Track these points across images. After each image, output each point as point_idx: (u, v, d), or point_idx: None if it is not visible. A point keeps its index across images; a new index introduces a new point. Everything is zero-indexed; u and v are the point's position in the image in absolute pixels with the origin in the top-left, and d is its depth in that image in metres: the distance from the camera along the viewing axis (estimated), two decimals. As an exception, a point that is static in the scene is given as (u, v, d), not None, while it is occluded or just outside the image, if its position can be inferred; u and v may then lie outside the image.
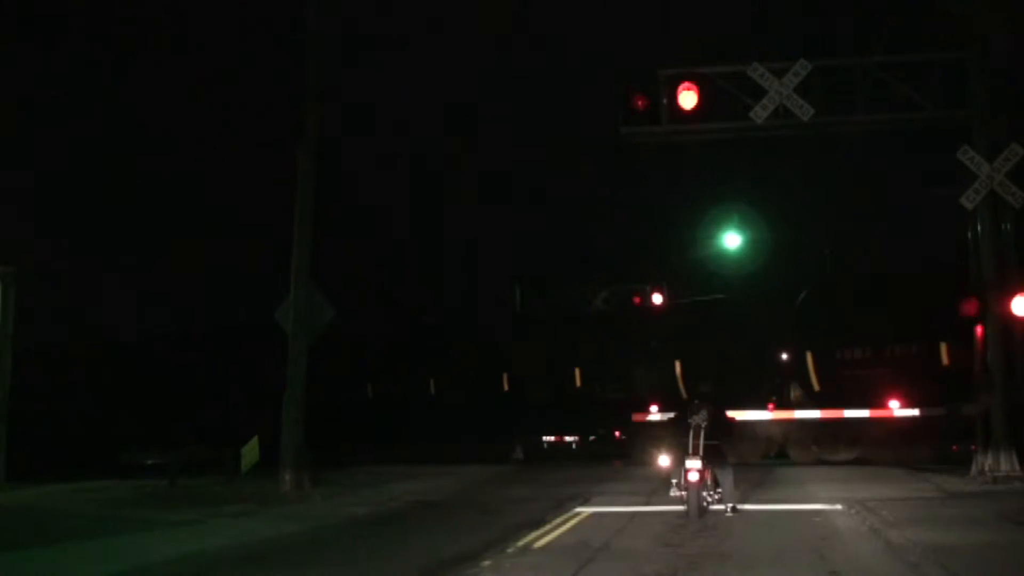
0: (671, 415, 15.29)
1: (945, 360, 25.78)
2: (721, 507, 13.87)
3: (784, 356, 30.52)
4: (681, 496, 13.67)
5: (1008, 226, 18.80)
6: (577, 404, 34.77)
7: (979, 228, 18.93)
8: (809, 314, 29.78)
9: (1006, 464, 18.00)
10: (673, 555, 10.67)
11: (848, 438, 26.63)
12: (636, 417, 29.75)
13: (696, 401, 14.22)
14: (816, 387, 28.91)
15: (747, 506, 14.54)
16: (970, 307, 18.64)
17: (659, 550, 11.06)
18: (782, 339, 30.32)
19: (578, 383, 35.55)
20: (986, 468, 18.13)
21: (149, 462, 27.44)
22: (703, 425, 13.77)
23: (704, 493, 13.61)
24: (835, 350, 28.63)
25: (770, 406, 29.18)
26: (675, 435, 14.42)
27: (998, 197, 18.31)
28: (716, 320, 32.39)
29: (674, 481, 14.04)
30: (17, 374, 19.21)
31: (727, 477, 14.03)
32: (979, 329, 18.93)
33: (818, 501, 15.30)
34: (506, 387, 37.85)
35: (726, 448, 14.58)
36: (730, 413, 15.39)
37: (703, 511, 13.44)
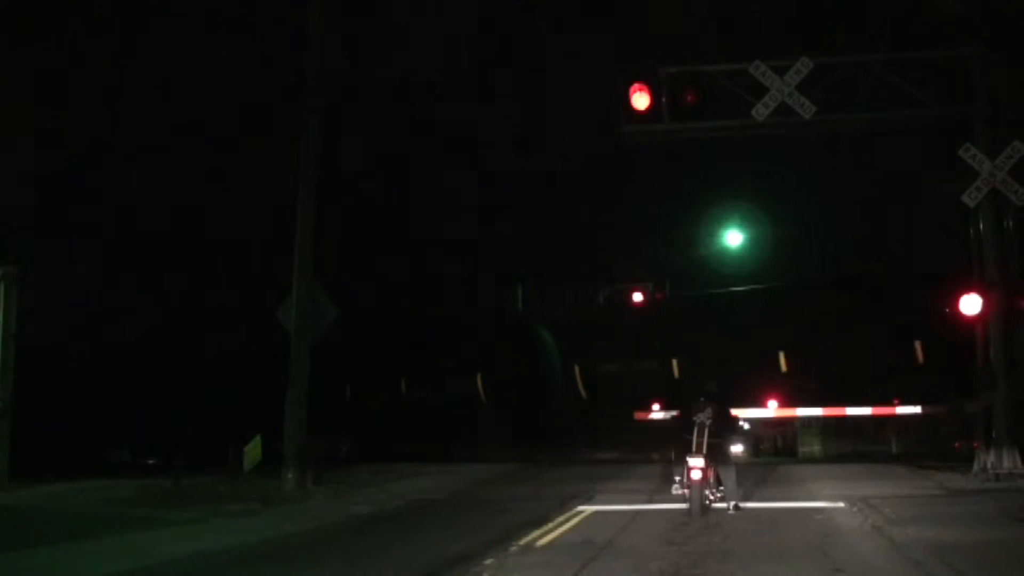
0: (674, 413, 15.28)
1: (676, 373, 30.23)
2: (723, 505, 13.88)
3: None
4: (683, 494, 13.70)
5: (1010, 223, 18.79)
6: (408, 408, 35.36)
7: (981, 225, 18.93)
8: (578, 332, 33.93)
9: (1008, 461, 18.00)
10: (676, 553, 10.68)
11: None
12: (639, 415, 29.75)
13: (702, 399, 14.17)
14: (583, 394, 31.99)
15: (750, 504, 14.54)
16: (972, 304, 18.62)
17: (662, 548, 11.06)
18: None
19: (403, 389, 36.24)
20: (988, 465, 18.13)
21: (151, 461, 27.55)
22: (708, 423, 13.77)
23: (707, 491, 13.59)
24: (596, 363, 32.37)
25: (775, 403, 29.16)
26: (679, 433, 14.38)
27: (1000, 194, 18.31)
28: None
29: (676, 478, 14.07)
30: (20, 373, 19.23)
31: (730, 475, 14.04)
32: (981, 326, 18.93)
33: (821, 499, 15.32)
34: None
35: (729, 447, 14.61)
36: (735, 412, 15.40)
37: (706, 509, 13.44)
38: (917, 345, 27.86)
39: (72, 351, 35.35)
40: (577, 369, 32.42)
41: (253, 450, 19.54)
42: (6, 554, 11.06)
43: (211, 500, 16.24)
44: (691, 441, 13.70)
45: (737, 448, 28.25)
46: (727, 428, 14.37)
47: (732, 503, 13.85)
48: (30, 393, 20.62)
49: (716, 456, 13.79)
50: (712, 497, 13.81)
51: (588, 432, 30.87)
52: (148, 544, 12.13)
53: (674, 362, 30.63)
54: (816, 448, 28.38)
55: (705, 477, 13.44)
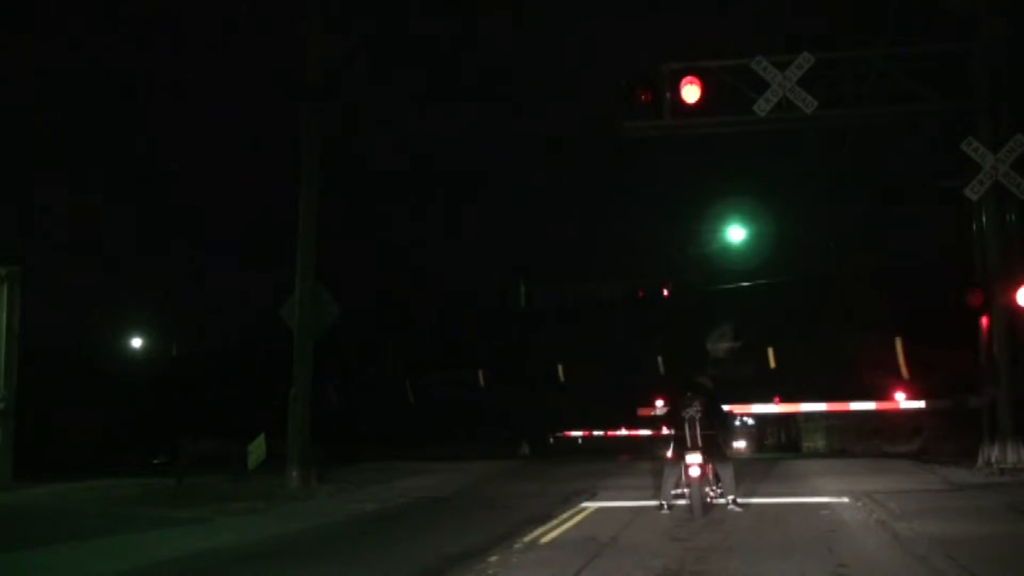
0: (667, 409, 15.00)
1: (481, 382, 33.48)
2: (723, 501, 13.56)
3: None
4: (683, 492, 13.39)
5: (1013, 217, 18.77)
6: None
7: (983, 219, 18.91)
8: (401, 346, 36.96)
9: (1012, 455, 18.01)
10: (680, 549, 10.68)
11: None
12: (642, 412, 29.78)
13: (689, 393, 13.72)
14: (412, 400, 35.03)
15: (754, 499, 14.51)
16: (975, 298, 18.62)
17: (666, 544, 11.06)
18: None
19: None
20: (992, 460, 18.15)
21: (156, 461, 27.58)
22: (697, 417, 13.35)
23: (707, 489, 13.20)
24: (423, 375, 35.48)
25: (776, 399, 29.20)
26: (671, 429, 14.03)
27: (1003, 188, 18.29)
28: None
29: (673, 491, 13.59)
30: (24, 374, 19.26)
31: (727, 470, 13.64)
32: (984, 320, 18.91)
33: (825, 494, 15.30)
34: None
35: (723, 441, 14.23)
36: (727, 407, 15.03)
37: (707, 507, 13.08)
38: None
39: (72, 352, 35.40)
40: (407, 380, 35.10)
41: (257, 449, 19.53)
42: (10, 553, 11.08)
43: (215, 499, 16.25)
44: (684, 437, 13.32)
45: (740, 444, 28.32)
46: (719, 422, 13.92)
47: (731, 498, 13.46)
48: (33, 393, 20.62)
49: (711, 451, 13.33)
50: (712, 494, 13.47)
51: (419, 434, 32.28)
52: (152, 543, 12.15)
53: (480, 372, 33.50)
54: (820, 443, 28.41)
55: (704, 474, 13.04)
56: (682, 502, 13.55)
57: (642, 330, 32.71)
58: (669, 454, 14.19)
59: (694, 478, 12.98)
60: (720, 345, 29.34)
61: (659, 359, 30.65)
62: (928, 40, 19.54)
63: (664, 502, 13.67)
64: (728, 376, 28.27)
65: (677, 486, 13.56)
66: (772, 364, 29.12)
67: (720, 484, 13.66)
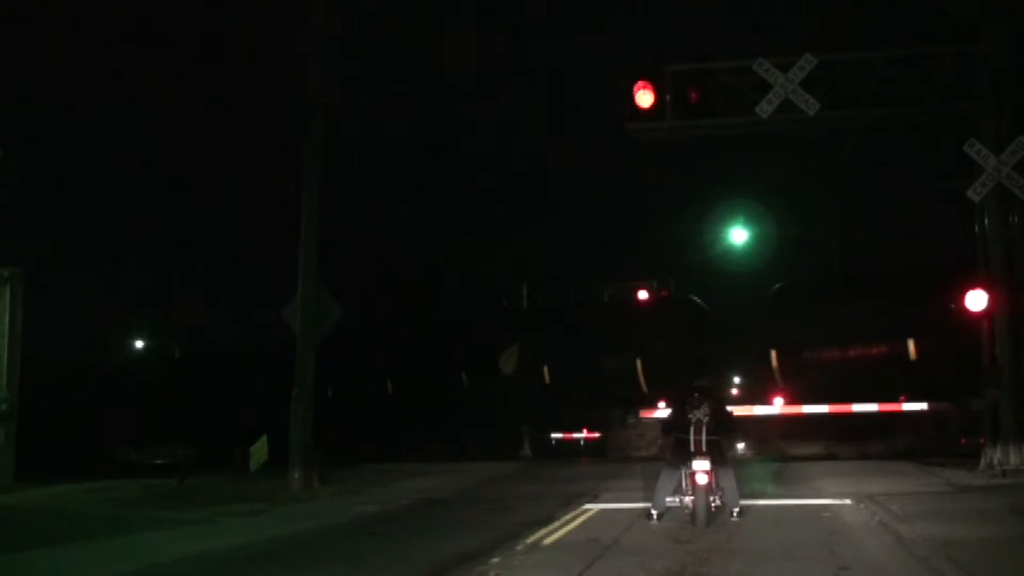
0: (669, 410, 14.37)
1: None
2: (722, 503, 13.00)
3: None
4: (679, 500, 12.76)
5: (1016, 218, 18.74)
6: None
7: (986, 221, 18.89)
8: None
9: (1015, 458, 17.97)
10: (683, 551, 10.67)
11: None
12: (643, 413, 29.74)
13: (696, 395, 12.97)
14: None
15: (760, 502, 14.46)
16: (978, 300, 18.59)
17: (669, 546, 11.05)
18: None
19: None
20: (995, 462, 18.11)
21: (158, 462, 27.58)
22: (704, 420, 12.67)
23: (710, 497, 12.49)
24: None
25: (777, 400, 29.15)
26: (673, 431, 13.23)
27: (1006, 190, 18.27)
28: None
29: (669, 499, 12.91)
30: (26, 375, 19.26)
31: (729, 478, 12.94)
32: (987, 323, 18.88)
33: (827, 496, 15.28)
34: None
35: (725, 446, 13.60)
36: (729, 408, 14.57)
37: (711, 516, 12.44)
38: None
39: (75, 354, 35.44)
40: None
41: (259, 450, 19.54)
42: (11, 555, 11.08)
43: (217, 500, 16.25)
44: (688, 440, 12.65)
45: (739, 445, 28.32)
46: (724, 426, 13.23)
47: (735, 509, 12.91)
48: (35, 395, 20.63)
49: (714, 457, 12.62)
50: (715, 502, 12.80)
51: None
52: (154, 544, 12.15)
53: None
54: (822, 445, 28.35)
55: (710, 482, 12.39)
56: (677, 505, 12.93)
57: (643, 332, 32.71)
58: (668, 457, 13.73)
59: (701, 486, 12.31)
60: (508, 363, 31.14)
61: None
62: (930, 42, 19.53)
63: (656, 510, 12.99)
64: (520, 389, 30.10)
65: (674, 493, 12.90)
66: (547, 380, 30.48)
67: (720, 491, 12.91)
